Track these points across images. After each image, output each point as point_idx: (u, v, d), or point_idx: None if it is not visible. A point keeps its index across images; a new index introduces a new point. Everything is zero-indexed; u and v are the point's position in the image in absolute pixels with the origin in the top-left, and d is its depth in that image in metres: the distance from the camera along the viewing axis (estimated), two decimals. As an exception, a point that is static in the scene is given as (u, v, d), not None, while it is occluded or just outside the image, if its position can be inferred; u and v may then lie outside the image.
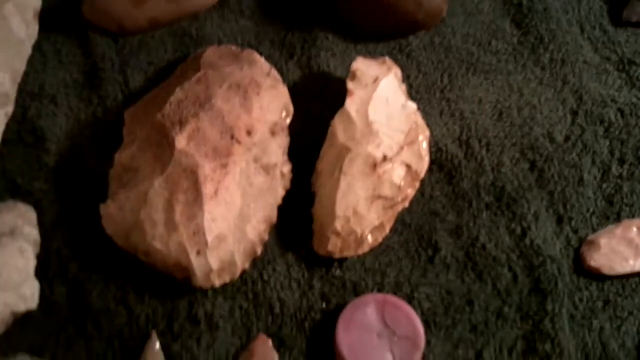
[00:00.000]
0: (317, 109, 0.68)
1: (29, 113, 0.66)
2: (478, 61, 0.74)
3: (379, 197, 0.60)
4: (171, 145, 0.59)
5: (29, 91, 0.67)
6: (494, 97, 0.72)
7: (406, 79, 0.71)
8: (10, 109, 0.64)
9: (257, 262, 0.60)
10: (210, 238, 0.57)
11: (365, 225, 0.60)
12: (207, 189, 0.58)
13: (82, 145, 0.65)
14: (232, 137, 0.60)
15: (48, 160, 0.64)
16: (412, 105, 0.65)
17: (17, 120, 0.65)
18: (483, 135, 0.69)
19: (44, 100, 0.67)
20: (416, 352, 0.57)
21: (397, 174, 0.61)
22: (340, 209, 0.60)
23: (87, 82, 0.69)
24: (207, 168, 0.58)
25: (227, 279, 0.58)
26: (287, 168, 0.62)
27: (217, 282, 0.58)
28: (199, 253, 0.57)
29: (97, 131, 0.66)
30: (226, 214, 0.58)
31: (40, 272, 0.59)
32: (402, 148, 0.62)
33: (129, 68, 0.70)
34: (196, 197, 0.58)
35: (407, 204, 0.62)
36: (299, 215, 0.62)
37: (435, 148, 0.67)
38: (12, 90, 0.65)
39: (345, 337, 0.57)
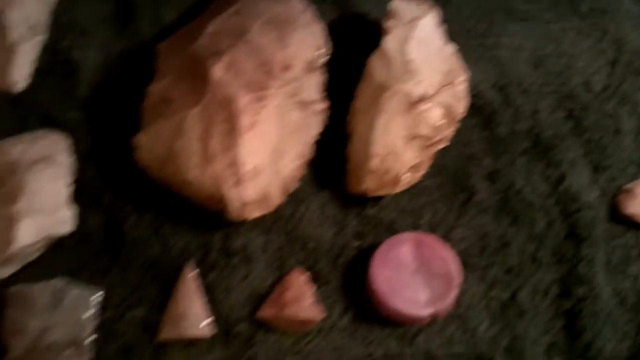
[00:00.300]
0: (352, 49, 0.67)
1: (61, 44, 0.65)
2: (516, 8, 0.73)
3: (416, 136, 0.60)
4: (207, 75, 0.58)
5: (62, 22, 0.67)
6: (531, 45, 0.70)
7: (444, 23, 0.69)
8: (43, 37, 0.64)
9: (291, 198, 0.60)
10: (246, 170, 0.56)
11: (402, 165, 0.59)
12: (244, 121, 0.57)
13: (114, 77, 0.64)
14: (268, 71, 0.59)
15: (81, 92, 0.63)
16: (451, 47, 0.64)
17: (50, 51, 0.65)
18: (520, 82, 0.68)
19: (77, 32, 0.66)
20: (451, 290, 0.56)
21: (434, 113, 0.60)
22: (377, 148, 0.59)
23: (120, 16, 0.68)
24: (243, 100, 0.57)
25: (261, 212, 0.58)
26: (322, 105, 0.62)
27: (252, 215, 0.57)
28: (234, 185, 0.56)
29: (129, 64, 0.65)
30: (262, 147, 0.58)
31: (75, 200, 0.59)
32: (440, 88, 0.61)
33: (161, 3, 0.69)
34: (232, 129, 0.57)
35: (443, 145, 0.62)
36: (333, 154, 0.62)
37: (472, 92, 0.66)
38: (45, 20, 0.64)
39: (380, 273, 0.57)
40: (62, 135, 0.61)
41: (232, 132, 0.57)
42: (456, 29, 0.70)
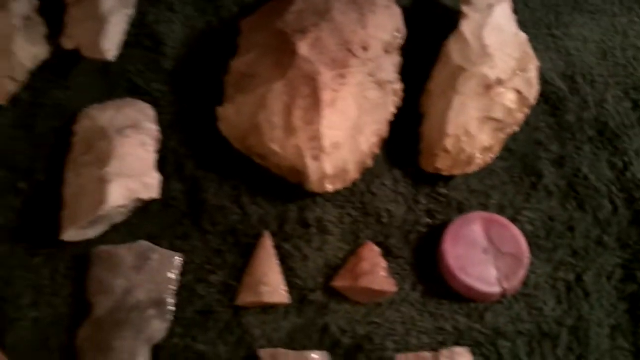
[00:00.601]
0: (425, 33, 0.68)
1: (147, 18, 0.67)
2: (584, 1, 0.74)
3: (491, 118, 0.61)
4: (293, 51, 0.60)
5: (148, -2, 0.69)
6: (598, 37, 0.72)
7: (514, 12, 0.71)
8: (131, 11, 0.66)
9: (366, 174, 0.62)
10: (327, 143, 0.58)
11: (475, 145, 0.61)
12: (326, 97, 0.59)
13: (197, 51, 0.67)
14: (349, 50, 0.61)
15: (165, 64, 0.66)
16: (523, 35, 0.66)
17: (136, 24, 0.67)
18: (587, 72, 0.69)
19: (162, 6, 0.68)
20: (520, 269, 0.58)
21: (508, 97, 0.62)
22: (452, 128, 0.61)
23: (203, -7, 0.70)
24: (326, 76, 0.59)
25: (339, 185, 0.60)
26: (398, 86, 0.63)
27: (330, 188, 0.59)
28: (315, 158, 0.58)
29: (211, 39, 0.67)
30: (342, 123, 0.59)
31: (158, 168, 0.61)
32: (514, 74, 0.63)
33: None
34: (315, 103, 0.59)
35: (515, 129, 0.63)
36: (406, 133, 0.63)
37: (541, 80, 0.67)
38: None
39: (452, 249, 0.58)
40: (148, 105, 0.63)
41: (314, 106, 0.59)
42: (525, 19, 0.71)
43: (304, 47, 0.60)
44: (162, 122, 0.63)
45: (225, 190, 0.61)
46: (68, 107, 0.64)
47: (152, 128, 0.62)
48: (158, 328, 0.56)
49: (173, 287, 0.58)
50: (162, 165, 0.61)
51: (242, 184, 0.61)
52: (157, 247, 0.58)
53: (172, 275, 0.58)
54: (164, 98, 0.64)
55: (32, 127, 0.63)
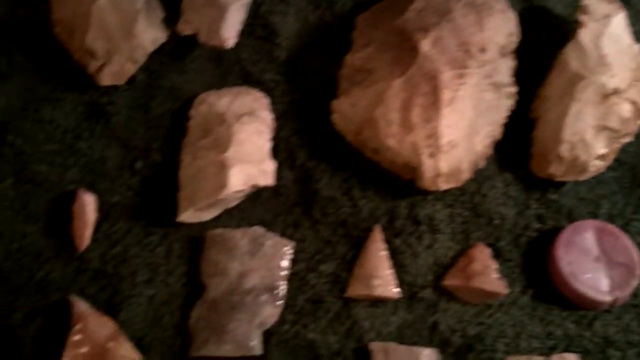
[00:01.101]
0: (535, 40, 0.68)
1: (261, 9, 0.68)
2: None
3: (606, 127, 0.61)
4: (414, 48, 0.60)
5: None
6: None
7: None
8: (247, 0, 0.67)
9: (477, 175, 0.62)
10: (444, 142, 0.59)
11: (590, 153, 0.61)
12: (445, 95, 0.59)
13: (311, 44, 0.67)
14: (468, 51, 0.61)
15: (279, 54, 0.66)
16: (637, 46, 0.65)
17: (250, 14, 0.68)
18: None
19: (277, -1, 0.69)
20: (632, 279, 0.58)
21: (624, 108, 0.62)
22: (567, 134, 0.60)
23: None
24: (446, 75, 0.60)
25: (452, 184, 0.60)
26: (513, 89, 0.63)
27: (443, 186, 0.59)
28: (431, 155, 0.59)
29: (325, 33, 0.68)
30: (459, 122, 0.60)
31: (271, 156, 0.62)
32: (630, 84, 0.62)
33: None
34: (434, 102, 0.59)
35: (629, 139, 0.63)
36: (517, 137, 0.63)
37: (651, 92, 0.67)
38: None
39: (565, 256, 0.58)
40: (263, 94, 0.64)
41: (433, 104, 0.59)
42: (637, 32, 0.71)
43: (426, 45, 0.60)
44: (274, 112, 0.64)
45: (336, 181, 0.61)
46: (183, 91, 0.65)
47: (267, 116, 0.62)
48: (270, 313, 0.57)
49: (285, 274, 0.58)
50: (274, 153, 0.62)
51: (353, 176, 0.62)
52: (271, 234, 0.59)
53: (285, 263, 0.58)
54: (277, 88, 0.65)
55: (148, 108, 0.64)
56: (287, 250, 0.59)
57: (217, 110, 0.62)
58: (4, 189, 0.62)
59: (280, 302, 0.57)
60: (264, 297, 0.57)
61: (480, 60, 0.62)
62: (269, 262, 0.58)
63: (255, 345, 0.56)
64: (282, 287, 0.58)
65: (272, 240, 0.59)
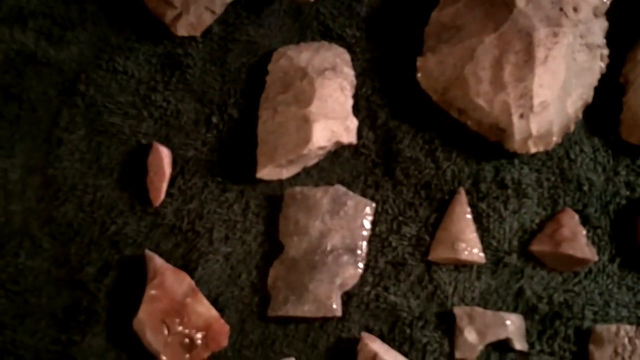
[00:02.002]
0: (629, 2, 0.65)
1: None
2: None
3: (703, 92, 0.58)
4: (509, 4, 0.57)
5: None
6: None
7: None
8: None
9: (565, 140, 0.59)
10: (536, 102, 0.56)
11: (686, 119, 0.58)
12: (539, 54, 0.57)
13: (393, 0, 0.65)
14: (561, 9, 0.58)
15: (360, 10, 0.64)
16: None
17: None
18: None
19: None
20: None
21: None
22: (662, 98, 0.58)
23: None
24: (541, 32, 0.57)
25: (541, 148, 0.57)
26: (606, 51, 0.61)
27: (533, 149, 0.57)
28: (521, 116, 0.56)
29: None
30: (552, 82, 0.57)
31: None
32: None
33: None
34: (527, 60, 0.57)
35: None
36: (607, 101, 0.61)
37: None
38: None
39: (657, 224, 0.56)
40: (344, 49, 0.62)
41: (526, 63, 0.56)
42: None
43: (521, 1, 0.57)
44: (355, 69, 0.61)
45: (419, 142, 0.59)
46: (259, 45, 0.63)
47: (349, 72, 0.60)
48: (351, 274, 0.55)
49: (366, 235, 0.56)
50: (355, 111, 0.60)
51: (437, 138, 0.60)
52: (352, 193, 0.57)
53: (366, 223, 0.56)
54: (358, 44, 0.63)
55: (224, 61, 0.62)
56: (369, 210, 0.57)
57: (299, 64, 0.59)
58: (76, 140, 0.60)
59: (361, 264, 0.56)
60: (344, 258, 0.55)
61: (574, 20, 0.59)
62: (350, 223, 0.56)
63: (336, 306, 0.54)
64: (364, 249, 0.56)
65: (353, 200, 0.57)
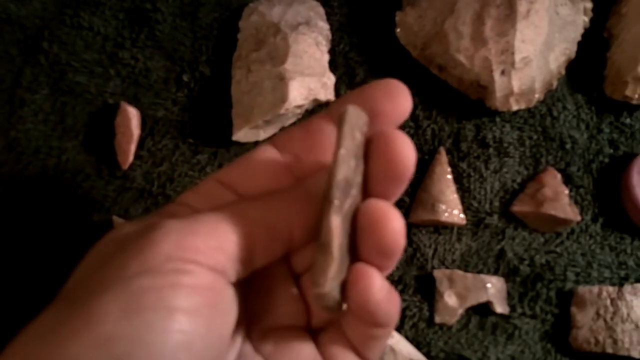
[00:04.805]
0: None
1: None
2: None
3: (689, 47, 0.57)
4: (489, -45, 0.55)
5: None
6: None
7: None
8: None
9: (547, 97, 0.58)
10: (518, 58, 0.54)
11: (671, 75, 0.56)
12: (521, 7, 0.54)
13: (368, -48, 0.62)
14: (544, -40, 0.56)
15: (334, -39, 0.61)
16: None
17: None
18: None
19: None
20: None
21: None
22: (647, 54, 0.56)
23: None
24: (523, -15, 0.55)
25: (523, 105, 0.56)
26: (589, 5, 0.59)
27: (514, 107, 0.55)
28: (503, 72, 0.55)
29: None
30: (534, 37, 0.55)
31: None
32: None
33: None
34: (509, 14, 0.54)
35: None
36: (590, 57, 0.59)
37: None
38: None
39: (639, 183, 0.55)
40: (318, 3, 0.59)
41: (508, 17, 0.54)
42: None
43: (501, -48, 0.55)
44: (332, 24, 0.59)
45: (398, 100, 0.57)
46: (232, 0, 0.60)
47: (324, 26, 0.58)
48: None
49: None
50: (332, 68, 0.57)
51: (416, 96, 0.58)
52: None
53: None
54: (333, -2, 0.60)
55: (195, 17, 0.59)
56: (347, 171, 0.55)
57: (271, 20, 0.57)
58: (40, 101, 0.58)
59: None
60: (322, 220, 0.53)
61: (557, -29, 0.57)
62: (328, 184, 0.54)
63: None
64: (341, 210, 0.54)
65: (330, 160, 0.55)
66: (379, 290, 0.29)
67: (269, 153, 0.33)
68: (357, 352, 0.32)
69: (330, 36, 0.58)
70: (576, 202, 0.55)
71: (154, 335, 0.25)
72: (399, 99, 0.32)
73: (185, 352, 0.26)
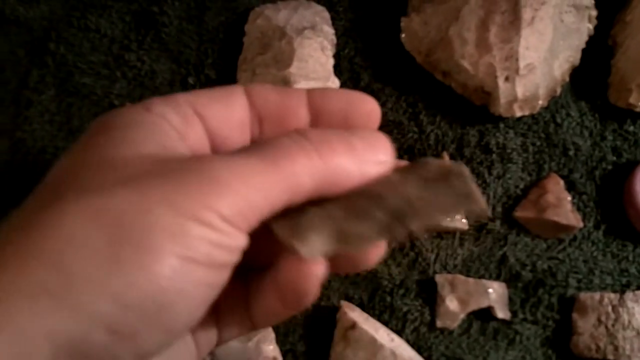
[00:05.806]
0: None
1: None
2: None
3: (693, 56, 0.57)
4: (495, -38, 0.55)
5: None
6: None
7: None
8: None
9: (551, 104, 0.58)
10: (522, 65, 0.54)
11: (675, 83, 0.57)
12: (526, 14, 0.55)
13: (374, -43, 0.62)
14: (549, -32, 0.57)
15: (341, -33, 0.62)
16: None
17: None
18: None
19: None
20: None
21: None
22: (651, 62, 0.56)
23: None
24: (528, -8, 0.55)
25: (527, 111, 0.56)
26: (594, 12, 0.59)
27: (518, 113, 0.55)
28: (507, 79, 0.55)
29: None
30: (538, 44, 0.55)
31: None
32: None
33: None
34: (513, 21, 0.55)
35: None
36: (594, 64, 0.59)
37: None
38: None
39: (643, 190, 0.55)
40: (324, 7, 0.59)
41: (512, 24, 0.55)
42: None
43: (508, -41, 0.55)
44: (337, 29, 0.59)
45: (402, 105, 0.58)
46: (238, 2, 0.60)
47: (329, 31, 0.58)
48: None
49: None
50: (337, 73, 0.58)
51: (421, 101, 0.58)
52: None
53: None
54: (340, 3, 0.60)
55: (201, 20, 0.60)
56: (350, 175, 0.55)
57: (276, 24, 0.57)
58: (46, 102, 0.58)
59: (342, 229, 0.54)
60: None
61: (562, -21, 0.57)
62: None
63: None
64: (344, 214, 0.54)
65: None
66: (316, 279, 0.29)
67: (243, 102, 0.31)
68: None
69: (335, 41, 0.59)
70: (579, 209, 0.56)
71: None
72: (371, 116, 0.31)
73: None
